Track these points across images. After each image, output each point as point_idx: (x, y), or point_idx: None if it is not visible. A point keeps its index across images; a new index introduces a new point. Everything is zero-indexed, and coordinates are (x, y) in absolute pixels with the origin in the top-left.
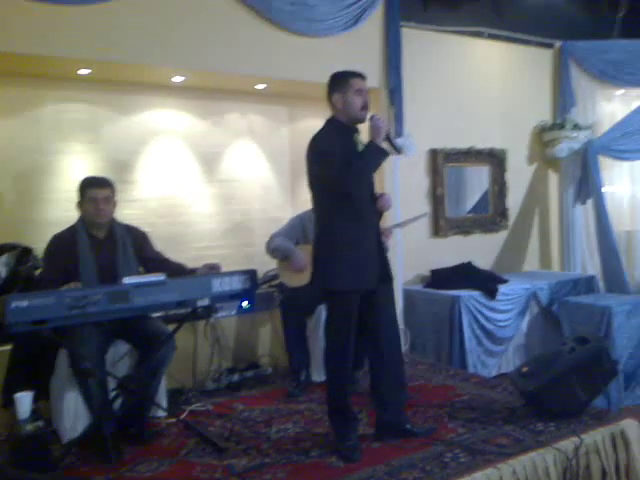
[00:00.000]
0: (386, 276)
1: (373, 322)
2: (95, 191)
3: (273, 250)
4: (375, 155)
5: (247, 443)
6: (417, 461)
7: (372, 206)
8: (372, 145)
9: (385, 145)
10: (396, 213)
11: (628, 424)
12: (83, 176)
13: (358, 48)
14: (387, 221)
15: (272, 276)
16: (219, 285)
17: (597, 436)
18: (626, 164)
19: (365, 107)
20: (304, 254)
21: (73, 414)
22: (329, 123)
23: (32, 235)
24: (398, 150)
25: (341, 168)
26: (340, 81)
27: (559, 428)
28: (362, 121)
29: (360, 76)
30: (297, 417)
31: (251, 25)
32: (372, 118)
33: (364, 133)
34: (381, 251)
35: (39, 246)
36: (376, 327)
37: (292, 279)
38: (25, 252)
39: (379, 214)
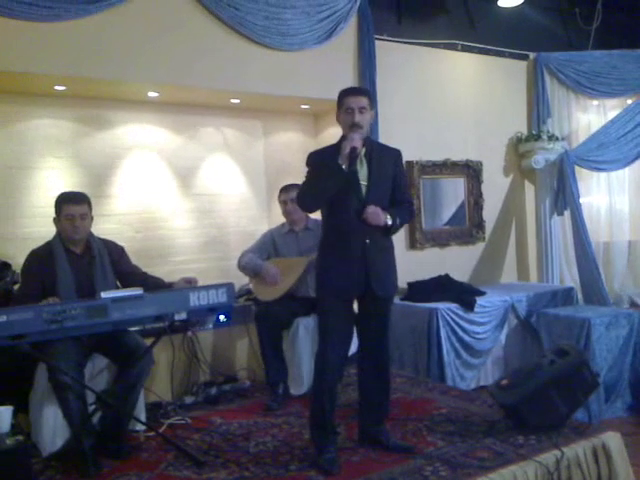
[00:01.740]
0: (371, 292)
1: (361, 334)
2: (71, 207)
3: (243, 267)
4: (330, 174)
5: (226, 457)
6: (397, 475)
7: (358, 220)
8: (331, 163)
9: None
10: None
11: (610, 437)
12: (60, 191)
13: (332, 62)
14: None
15: (248, 289)
16: (197, 299)
17: (578, 449)
18: (603, 175)
19: (353, 125)
20: (275, 266)
21: (52, 428)
22: (339, 139)
23: (10, 250)
24: (352, 171)
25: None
26: (339, 100)
27: (540, 441)
28: None
29: (352, 94)
30: (275, 431)
31: (225, 40)
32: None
33: None
34: (370, 265)
35: (17, 261)
36: (363, 339)
37: (265, 293)
38: (3, 267)
39: (373, 227)
